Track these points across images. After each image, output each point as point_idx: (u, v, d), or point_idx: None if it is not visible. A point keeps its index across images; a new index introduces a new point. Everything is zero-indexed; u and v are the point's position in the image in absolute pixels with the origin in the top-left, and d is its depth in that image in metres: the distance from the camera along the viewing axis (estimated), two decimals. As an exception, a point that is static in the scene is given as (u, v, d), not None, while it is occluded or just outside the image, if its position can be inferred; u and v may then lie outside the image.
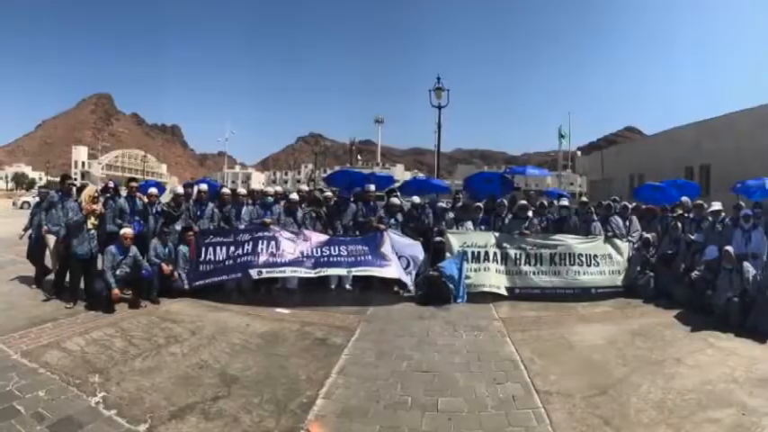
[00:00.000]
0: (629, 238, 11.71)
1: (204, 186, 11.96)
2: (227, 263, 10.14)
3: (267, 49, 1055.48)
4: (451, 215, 12.26)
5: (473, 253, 10.91)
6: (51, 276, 9.89)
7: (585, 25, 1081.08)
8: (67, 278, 9.33)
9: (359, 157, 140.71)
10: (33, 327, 7.44)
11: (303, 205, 11.85)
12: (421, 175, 75.82)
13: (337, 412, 5.31)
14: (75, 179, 13.64)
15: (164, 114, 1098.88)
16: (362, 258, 10.40)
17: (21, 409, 4.96)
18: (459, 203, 13.34)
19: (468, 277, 10.58)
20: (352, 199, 12.21)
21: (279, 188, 13.87)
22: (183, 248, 10.20)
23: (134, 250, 9.16)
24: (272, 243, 10.27)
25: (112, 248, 8.93)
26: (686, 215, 11.93)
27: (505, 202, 12.65)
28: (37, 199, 11.26)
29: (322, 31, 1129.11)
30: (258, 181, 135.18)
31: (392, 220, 11.59)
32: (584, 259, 11.03)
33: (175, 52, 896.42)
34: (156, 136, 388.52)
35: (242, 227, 10.91)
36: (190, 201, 11.31)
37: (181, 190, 11.69)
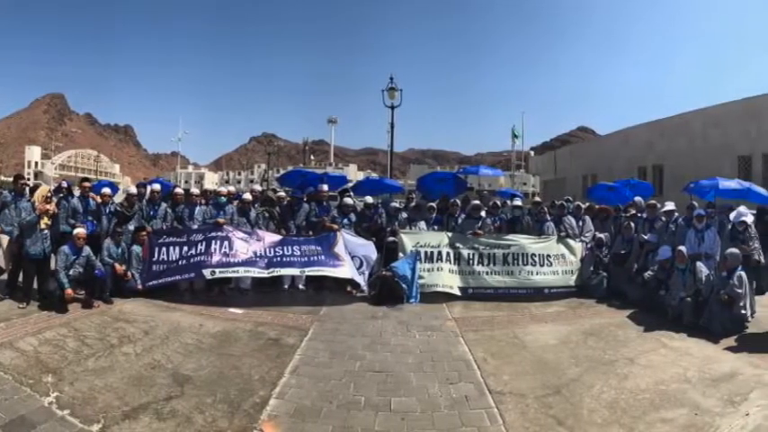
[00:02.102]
0: (583, 238, 11.92)
1: (157, 186, 11.91)
2: (180, 263, 10.08)
3: (219, 48, 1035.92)
4: (405, 215, 12.34)
5: (426, 253, 10.97)
6: (4, 276, 9.64)
7: (535, 26, 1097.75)
8: (20, 278, 9.19)
9: (312, 157, 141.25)
10: (-14, 327, 7.26)
11: (256, 205, 11.84)
12: (374, 175, 76.57)
13: (290, 412, 5.33)
14: (29, 179, 13.37)
15: (116, 114, 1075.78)
16: (316, 258, 10.44)
17: (-26, 409, 4.87)
18: (413, 203, 13.51)
19: (421, 277, 10.65)
20: (305, 199, 12.16)
21: (232, 188, 13.87)
22: (136, 248, 10.10)
23: (87, 250, 9.05)
24: (226, 243, 10.24)
25: (65, 248, 8.81)
26: (639, 215, 12.04)
27: (458, 202, 12.77)
28: (-10, 199, 10.99)
29: (275, 31, 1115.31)
30: (211, 181, 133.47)
31: (345, 220, 11.62)
32: (537, 259, 11.17)
33: (128, 52, 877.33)
34: (109, 136, 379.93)
35: (195, 227, 10.84)
36: (143, 201, 11.19)
37: (134, 190, 11.52)
